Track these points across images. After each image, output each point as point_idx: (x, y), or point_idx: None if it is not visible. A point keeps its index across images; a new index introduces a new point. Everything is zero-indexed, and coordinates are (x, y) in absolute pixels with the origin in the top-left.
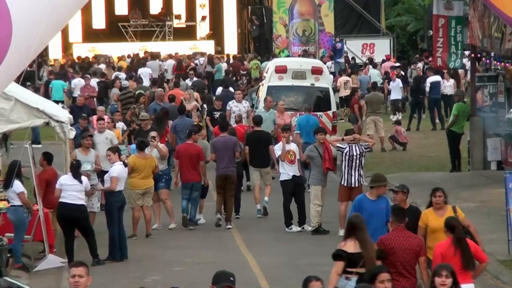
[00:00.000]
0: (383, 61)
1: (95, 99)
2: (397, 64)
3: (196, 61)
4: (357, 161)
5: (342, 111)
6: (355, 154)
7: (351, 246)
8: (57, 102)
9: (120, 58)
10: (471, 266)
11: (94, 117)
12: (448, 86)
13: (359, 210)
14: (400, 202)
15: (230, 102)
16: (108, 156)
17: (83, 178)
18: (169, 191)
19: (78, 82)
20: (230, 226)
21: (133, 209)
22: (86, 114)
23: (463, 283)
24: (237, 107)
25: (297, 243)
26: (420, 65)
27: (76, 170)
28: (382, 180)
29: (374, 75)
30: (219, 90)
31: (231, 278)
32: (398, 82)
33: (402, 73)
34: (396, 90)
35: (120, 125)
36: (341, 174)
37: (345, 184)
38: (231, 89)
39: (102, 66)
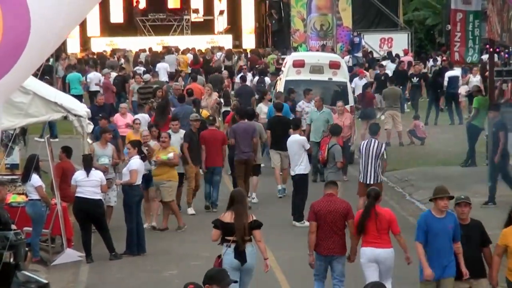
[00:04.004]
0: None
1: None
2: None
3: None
4: (374, 157)
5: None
6: (371, 148)
7: (227, 217)
8: (75, 96)
9: (138, 52)
10: (360, 230)
11: (116, 116)
12: (475, 82)
13: (426, 228)
14: (467, 215)
15: (300, 103)
16: (128, 150)
17: (98, 172)
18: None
19: (93, 76)
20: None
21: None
22: (107, 113)
23: (381, 247)
24: (309, 107)
25: None
26: (429, 64)
27: (88, 162)
28: (439, 192)
29: (392, 69)
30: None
31: (228, 273)
32: (363, 81)
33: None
34: (361, 90)
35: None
36: (359, 169)
37: (361, 180)
38: (266, 78)
39: (115, 60)
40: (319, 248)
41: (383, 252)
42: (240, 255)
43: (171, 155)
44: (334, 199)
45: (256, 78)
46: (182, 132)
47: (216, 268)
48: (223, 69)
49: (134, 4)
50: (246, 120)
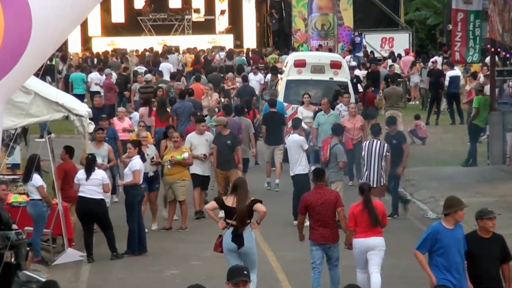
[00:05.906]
0: (400, 56)
1: (115, 94)
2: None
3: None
4: (377, 158)
5: (359, 106)
6: (374, 149)
7: (229, 201)
8: (78, 96)
9: (138, 52)
10: (378, 223)
11: (114, 120)
12: None
13: (433, 242)
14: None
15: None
16: (129, 149)
17: (101, 171)
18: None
19: (94, 76)
20: None
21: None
22: (106, 115)
23: (373, 236)
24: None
25: None
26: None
27: (90, 163)
28: (458, 204)
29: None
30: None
31: (245, 272)
32: None
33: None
34: None
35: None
36: (363, 171)
37: None
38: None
39: (117, 61)
40: (314, 236)
41: (373, 239)
42: (237, 238)
43: (186, 155)
44: (324, 190)
45: (269, 76)
46: (207, 134)
47: (234, 266)
48: (224, 69)
49: (143, 4)
50: (235, 117)
